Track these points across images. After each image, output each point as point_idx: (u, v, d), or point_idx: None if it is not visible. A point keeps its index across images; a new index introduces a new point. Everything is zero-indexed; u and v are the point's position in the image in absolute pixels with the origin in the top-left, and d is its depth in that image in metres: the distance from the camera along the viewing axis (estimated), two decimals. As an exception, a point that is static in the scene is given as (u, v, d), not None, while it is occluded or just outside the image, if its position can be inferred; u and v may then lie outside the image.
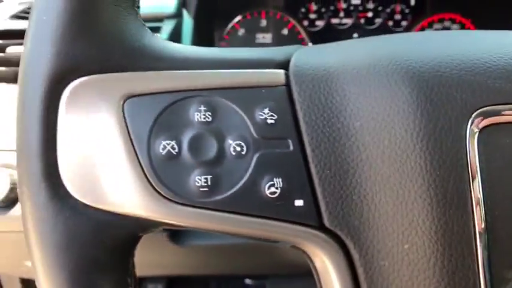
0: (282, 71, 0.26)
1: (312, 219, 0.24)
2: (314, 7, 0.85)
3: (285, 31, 0.84)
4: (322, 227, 0.24)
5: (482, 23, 0.84)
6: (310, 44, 0.83)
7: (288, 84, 0.26)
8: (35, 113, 0.23)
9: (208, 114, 0.25)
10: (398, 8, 0.86)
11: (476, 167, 0.23)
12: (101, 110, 0.24)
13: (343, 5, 0.85)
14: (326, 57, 0.27)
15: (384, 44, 0.27)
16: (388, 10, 0.86)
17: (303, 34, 0.83)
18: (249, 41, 0.83)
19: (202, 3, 0.72)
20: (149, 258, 0.62)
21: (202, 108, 0.25)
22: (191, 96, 0.25)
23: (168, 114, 0.24)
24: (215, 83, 0.25)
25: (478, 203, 0.22)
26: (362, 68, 0.25)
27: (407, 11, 0.86)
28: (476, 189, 0.22)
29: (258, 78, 0.26)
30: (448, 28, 0.85)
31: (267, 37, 0.83)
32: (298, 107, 0.25)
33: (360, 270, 0.24)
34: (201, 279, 0.81)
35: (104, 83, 0.24)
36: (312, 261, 0.26)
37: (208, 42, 0.80)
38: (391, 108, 0.24)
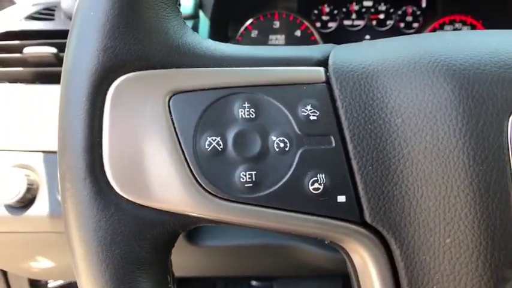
0: (321, 69, 0.27)
1: (354, 215, 0.25)
2: (327, 9, 0.85)
3: (298, 32, 0.84)
4: (363, 223, 0.25)
5: (493, 25, 0.85)
6: (322, 46, 0.83)
7: (328, 82, 0.26)
8: (80, 109, 0.23)
9: (252, 111, 0.25)
10: (409, 9, 0.86)
11: None
12: (147, 106, 0.24)
13: (355, 7, 0.86)
14: (364, 55, 0.27)
15: (421, 42, 0.27)
16: (400, 12, 0.86)
17: (316, 35, 0.83)
18: (262, 43, 0.84)
19: (219, 4, 0.72)
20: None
21: (246, 104, 0.25)
22: (235, 93, 0.25)
23: (213, 110, 0.25)
24: (258, 80, 0.25)
25: None
26: (402, 65, 0.25)
27: (418, 12, 0.86)
28: None
29: (299, 76, 0.26)
30: (458, 30, 0.85)
31: (280, 39, 0.84)
32: (339, 103, 0.25)
33: (401, 266, 0.24)
34: (208, 280, 0.81)
35: (149, 79, 0.24)
36: (350, 258, 0.27)
37: (224, 43, 0.81)
38: (433, 104, 0.24)
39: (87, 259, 0.24)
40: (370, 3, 0.86)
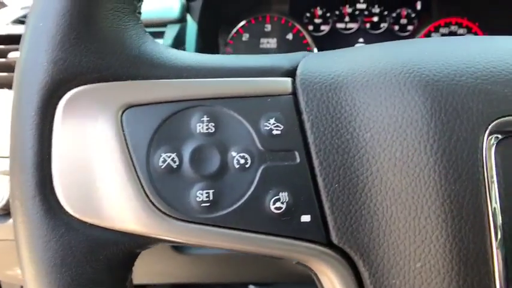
0: (288, 79, 0.25)
1: (319, 235, 0.23)
2: (319, 12, 0.84)
3: (290, 36, 0.83)
4: (329, 244, 0.23)
5: (489, 27, 0.83)
6: (315, 50, 0.82)
7: (294, 93, 0.25)
8: (29, 123, 0.22)
9: (211, 125, 0.23)
10: (404, 12, 0.85)
11: (494, 182, 0.21)
12: (98, 120, 0.23)
13: (349, 10, 0.84)
14: (334, 64, 0.26)
15: (394, 51, 0.26)
16: (394, 14, 0.85)
17: (308, 39, 0.82)
18: (253, 46, 0.83)
19: (207, 8, 0.71)
20: (152, 267, 0.61)
21: (205, 118, 0.23)
22: (193, 106, 0.24)
23: (168, 125, 0.23)
24: (218, 92, 0.24)
25: (494, 219, 0.21)
26: (372, 75, 0.24)
27: (413, 15, 0.85)
28: (494, 205, 0.21)
29: (263, 87, 0.25)
30: (454, 32, 0.84)
31: (272, 42, 0.83)
32: (305, 117, 0.24)
33: None
34: (205, 286, 0.80)
35: (101, 92, 0.23)
36: (318, 279, 0.25)
37: (213, 47, 0.80)
38: (404, 118, 0.22)
39: (37, 280, 0.22)
40: (363, 6, 0.84)
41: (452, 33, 0.84)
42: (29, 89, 0.22)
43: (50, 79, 0.22)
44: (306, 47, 0.83)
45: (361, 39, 0.84)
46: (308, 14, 0.84)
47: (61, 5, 0.22)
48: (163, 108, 0.23)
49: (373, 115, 0.23)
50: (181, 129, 0.23)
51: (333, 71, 0.25)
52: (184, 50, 0.67)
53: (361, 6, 0.84)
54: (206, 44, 0.73)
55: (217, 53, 0.82)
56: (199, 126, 0.23)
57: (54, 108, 0.23)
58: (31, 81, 0.22)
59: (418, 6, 0.85)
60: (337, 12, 0.84)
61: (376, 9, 0.84)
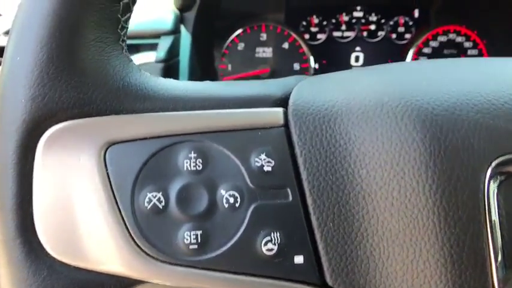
0: (280, 110, 0.24)
1: (313, 277, 0.22)
2: (315, 20, 0.83)
3: (286, 45, 0.82)
4: (324, 285, 0.22)
5: (488, 35, 0.82)
6: (311, 58, 0.81)
7: (287, 125, 0.24)
8: (8, 163, 0.21)
9: (199, 162, 0.22)
10: (401, 20, 0.84)
11: (496, 224, 0.20)
12: (80, 159, 0.22)
13: (345, 18, 0.83)
14: (328, 92, 0.25)
15: (392, 78, 0.25)
16: (392, 22, 0.84)
17: (304, 48, 0.81)
18: (249, 55, 0.82)
19: (201, 18, 0.70)
20: None
21: (193, 155, 0.22)
22: (180, 142, 0.23)
23: (154, 162, 0.22)
24: (206, 125, 0.23)
25: (497, 263, 0.20)
26: (368, 107, 0.23)
27: (411, 23, 0.84)
28: (496, 249, 0.20)
29: (253, 119, 0.24)
30: (453, 40, 0.83)
31: (268, 51, 0.81)
32: (298, 151, 0.23)
33: None
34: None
35: (83, 129, 0.22)
36: None
37: (208, 58, 0.78)
38: (401, 155, 0.21)
39: None
40: (360, 14, 0.83)
41: (450, 42, 0.83)
42: (7, 127, 0.21)
43: (29, 117, 0.21)
44: (302, 56, 0.81)
45: (358, 48, 0.83)
46: (304, 23, 0.83)
47: (39, 36, 0.21)
48: (149, 144, 0.22)
49: (369, 150, 0.22)
50: (167, 167, 0.22)
51: (327, 100, 0.24)
52: (178, 61, 0.66)
53: (358, 14, 0.83)
54: (201, 55, 0.71)
55: (213, 63, 0.81)
56: (187, 163, 0.22)
57: (34, 147, 0.21)
58: (9, 119, 0.21)
59: (416, 14, 0.84)
60: (333, 21, 0.83)
61: (373, 17, 0.83)
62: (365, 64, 0.84)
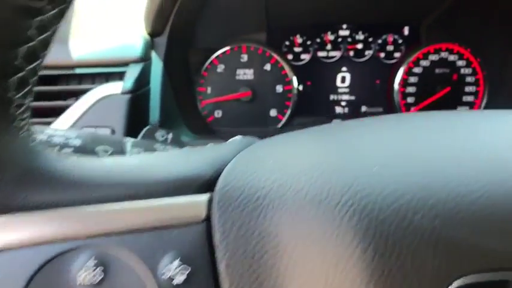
0: (204, 200, 0.20)
1: None
2: (299, 40, 0.79)
3: (268, 66, 0.78)
4: None
5: (482, 53, 0.78)
6: (294, 79, 0.77)
7: (209, 219, 0.20)
8: None
9: (99, 272, 0.18)
10: (390, 38, 0.80)
11: None
12: None
13: (331, 37, 0.79)
14: (264, 174, 0.21)
15: (336, 162, 0.21)
16: (380, 41, 0.79)
17: (287, 69, 0.77)
18: (229, 78, 0.78)
19: (174, 42, 0.66)
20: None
21: (91, 263, 0.18)
22: (76, 248, 0.19)
23: (44, 275, 0.18)
24: (109, 226, 0.19)
25: None
26: (304, 203, 0.19)
27: (400, 41, 0.80)
28: None
29: (169, 215, 0.20)
30: (445, 59, 0.78)
31: (249, 73, 0.78)
32: (219, 254, 0.19)
33: None
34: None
35: None
36: None
37: (184, 84, 0.74)
38: (337, 271, 0.17)
39: None
40: (346, 33, 0.79)
41: (442, 60, 0.78)
42: None
43: None
44: (284, 78, 0.77)
45: (344, 68, 0.79)
46: (287, 43, 0.79)
47: None
48: (39, 251, 0.18)
49: (303, 261, 0.18)
50: (59, 280, 0.18)
51: (260, 187, 0.20)
52: (148, 91, 0.62)
53: (344, 32, 0.79)
54: (174, 83, 0.67)
55: (190, 87, 0.77)
56: (84, 274, 0.18)
57: None
58: None
59: (406, 31, 0.80)
60: (318, 40, 0.79)
61: (361, 36, 0.79)
62: (352, 85, 0.79)
